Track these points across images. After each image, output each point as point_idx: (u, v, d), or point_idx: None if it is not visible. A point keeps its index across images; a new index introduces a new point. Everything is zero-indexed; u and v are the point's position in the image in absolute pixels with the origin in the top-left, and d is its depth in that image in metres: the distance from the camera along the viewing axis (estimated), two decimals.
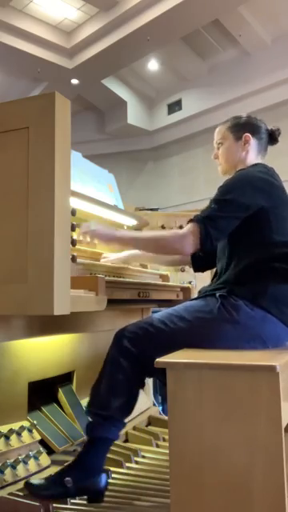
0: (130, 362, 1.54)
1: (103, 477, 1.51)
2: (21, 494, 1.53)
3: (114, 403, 1.54)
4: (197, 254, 1.92)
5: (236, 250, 1.63)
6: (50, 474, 1.58)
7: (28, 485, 1.51)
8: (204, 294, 1.65)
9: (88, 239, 1.76)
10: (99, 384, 1.58)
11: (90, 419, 1.56)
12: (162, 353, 1.38)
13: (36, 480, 1.53)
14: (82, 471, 1.49)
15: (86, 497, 1.52)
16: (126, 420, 1.57)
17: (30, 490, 1.50)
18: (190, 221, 1.54)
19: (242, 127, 1.79)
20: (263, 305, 1.52)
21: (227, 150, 1.81)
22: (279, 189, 1.64)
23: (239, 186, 1.58)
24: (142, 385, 1.65)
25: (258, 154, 1.80)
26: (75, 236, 1.56)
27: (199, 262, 1.96)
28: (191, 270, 2.45)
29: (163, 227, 2.63)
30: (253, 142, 1.78)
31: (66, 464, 1.57)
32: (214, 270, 1.80)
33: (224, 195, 1.56)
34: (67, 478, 1.47)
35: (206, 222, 1.51)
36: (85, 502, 1.57)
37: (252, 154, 1.78)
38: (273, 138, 1.83)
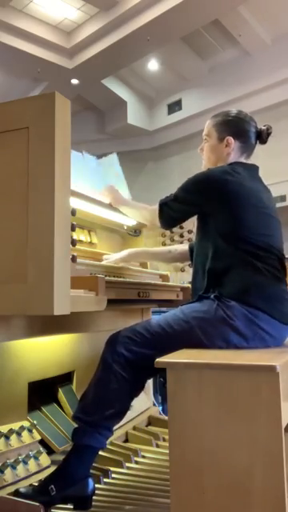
0: (124, 369, 1.53)
1: (89, 483, 1.49)
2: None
3: (103, 411, 1.51)
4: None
5: (212, 250, 1.62)
6: (39, 480, 1.57)
7: (17, 493, 1.49)
8: (198, 296, 1.64)
9: (106, 196, 2.04)
10: (89, 389, 1.57)
11: (76, 425, 1.54)
12: (161, 355, 1.37)
13: (23, 488, 1.51)
14: (65, 479, 1.48)
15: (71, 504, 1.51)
16: (119, 424, 1.57)
17: (19, 498, 1.47)
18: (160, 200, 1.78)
19: (227, 128, 1.76)
20: (254, 304, 1.51)
21: (209, 148, 1.81)
22: (235, 184, 1.60)
23: (195, 185, 1.68)
24: (136, 393, 1.63)
25: (240, 155, 1.77)
26: (75, 236, 1.56)
27: None
28: (191, 270, 2.45)
29: None
30: (235, 145, 1.75)
31: (51, 472, 1.55)
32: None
33: (182, 190, 1.71)
34: (51, 486, 1.46)
35: (163, 207, 1.75)
36: None
37: (234, 155, 1.76)
38: (261, 137, 1.80)
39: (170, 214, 1.74)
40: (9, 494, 1.50)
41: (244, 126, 1.78)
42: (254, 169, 1.75)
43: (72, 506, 1.51)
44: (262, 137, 1.80)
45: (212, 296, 1.56)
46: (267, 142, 1.83)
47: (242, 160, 1.78)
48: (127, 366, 1.53)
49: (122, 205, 2.03)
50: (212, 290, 1.58)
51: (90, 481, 1.50)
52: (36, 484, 1.56)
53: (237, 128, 1.77)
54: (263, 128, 1.80)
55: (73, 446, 1.53)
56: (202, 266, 1.66)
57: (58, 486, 1.47)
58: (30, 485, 1.56)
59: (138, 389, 1.64)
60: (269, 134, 1.81)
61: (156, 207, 1.78)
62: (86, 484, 1.49)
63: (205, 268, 1.64)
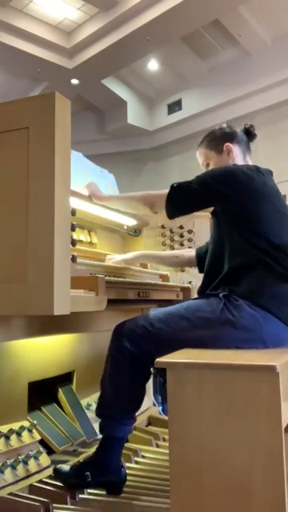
0: (131, 361, 1.56)
1: (121, 472, 1.63)
2: (21, 494, 1.53)
3: (121, 404, 1.59)
4: (202, 255, 1.94)
5: (229, 249, 1.63)
6: (76, 462, 1.72)
7: (57, 471, 1.65)
8: (205, 293, 1.64)
9: (86, 192, 1.91)
10: (104, 384, 1.63)
11: (100, 420, 1.63)
12: (162, 352, 1.38)
13: (64, 467, 1.66)
14: (99, 468, 1.59)
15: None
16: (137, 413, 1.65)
17: (58, 476, 1.64)
18: (171, 186, 1.67)
19: (219, 140, 1.82)
20: (263, 304, 1.52)
21: (215, 166, 1.83)
22: (260, 183, 1.63)
23: (221, 174, 1.64)
24: (147, 379, 1.68)
25: (244, 156, 1.83)
26: (75, 236, 1.56)
27: (204, 263, 1.98)
28: (191, 270, 2.45)
29: (163, 227, 2.63)
30: (235, 148, 1.80)
31: (87, 456, 1.70)
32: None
33: (207, 176, 1.66)
34: (87, 473, 1.58)
35: (176, 188, 1.65)
36: (85, 502, 1.58)
37: (238, 158, 1.80)
38: (250, 135, 1.86)
39: (185, 197, 1.64)
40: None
41: (229, 129, 1.84)
42: (270, 171, 1.77)
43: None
44: (250, 132, 1.85)
45: (220, 295, 1.56)
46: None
47: (248, 160, 1.82)
48: (133, 357, 1.56)
49: (106, 200, 1.91)
50: (223, 288, 1.58)
51: (122, 470, 1.64)
52: (71, 464, 1.69)
53: (226, 134, 1.83)
54: (247, 126, 1.86)
55: (102, 439, 1.64)
56: (217, 264, 1.66)
57: (94, 474, 1.59)
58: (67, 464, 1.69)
59: (147, 377, 1.67)
60: (254, 129, 1.87)
61: (162, 191, 1.68)
62: (119, 472, 1.62)
63: (221, 266, 1.64)
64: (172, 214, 1.69)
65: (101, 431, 1.63)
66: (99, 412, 1.64)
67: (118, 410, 1.59)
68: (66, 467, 1.66)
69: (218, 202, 1.65)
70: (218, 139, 1.83)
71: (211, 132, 1.87)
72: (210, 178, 1.64)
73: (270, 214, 1.61)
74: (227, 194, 1.60)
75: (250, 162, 1.83)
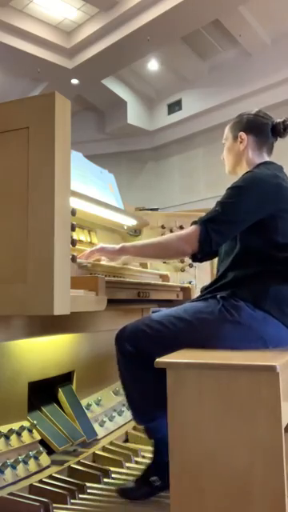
0: (140, 363, 1.55)
1: None
2: (21, 494, 1.53)
3: (148, 403, 1.57)
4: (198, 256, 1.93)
5: (240, 252, 1.61)
6: (136, 478, 1.67)
7: (122, 491, 1.62)
8: (204, 295, 1.64)
9: (92, 258, 1.74)
10: (126, 393, 1.63)
11: (142, 427, 1.66)
12: (162, 353, 1.38)
13: (128, 484, 1.64)
14: (164, 468, 1.53)
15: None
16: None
17: (125, 494, 1.61)
18: (193, 223, 1.55)
19: (239, 126, 1.77)
20: (264, 306, 1.51)
21: (227, 149, 1.81)
22: (286, 190, 1.60)
23: (247, 190, 1.55)
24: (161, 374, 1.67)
25: (258, 151, 1.75)
26: (75, 236, 1.56)
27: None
28: (191, 269, 2.45)
29: (163, 227, 2.63)
30: (249, 139, 1.74)
31: (146, 466, 1.68)
32: (216, 269, 1.78)
33: (230, 198, 1.55)
34: (153, 478, 1.59)
35: (207, 224, 1.51)
36: (84, 502, 1.58)
37: (251, 151, 1.74)
38: (275, 131, 1.75)
39: (221, 231, 1.52)
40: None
41: (256, 120, 1.76)
42: (281, 168, 1.72)
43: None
44: (278, 129, 1.75)
45: (218, 296, 1.55)
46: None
47: (265, 156, 1.76)
48: (138, 359, 1.55)
49: (125, 253, 1.73)
50: (226, 290, 1.57)
51: None
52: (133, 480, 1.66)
53: (249, 123, 1.76)
54: (279, 121, 1.76)
55: (154, 443, 1.64)
56: (230, 266, 1.63)
57: (161, 476, 1.56)
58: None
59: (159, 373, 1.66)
60: (286, 126, 1.75)
61: (189, 230, 1.53)
62: None
63: (228, 269, 1.62)
64: (204, 257, 1.61)
65: (149, 436, 1.65)
66: (137, 420, 1.64)
67: (150, 410, 1.57)
68: (129, 484, 1.64)
69: (253, 220, 1.55)
70: (238, 124, 1.77)
71: (240, 114, 1.80)
72: (238, 200, 1.53)
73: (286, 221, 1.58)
74: (257, 212, 1.53)
75: (267, 158, 1.77)
